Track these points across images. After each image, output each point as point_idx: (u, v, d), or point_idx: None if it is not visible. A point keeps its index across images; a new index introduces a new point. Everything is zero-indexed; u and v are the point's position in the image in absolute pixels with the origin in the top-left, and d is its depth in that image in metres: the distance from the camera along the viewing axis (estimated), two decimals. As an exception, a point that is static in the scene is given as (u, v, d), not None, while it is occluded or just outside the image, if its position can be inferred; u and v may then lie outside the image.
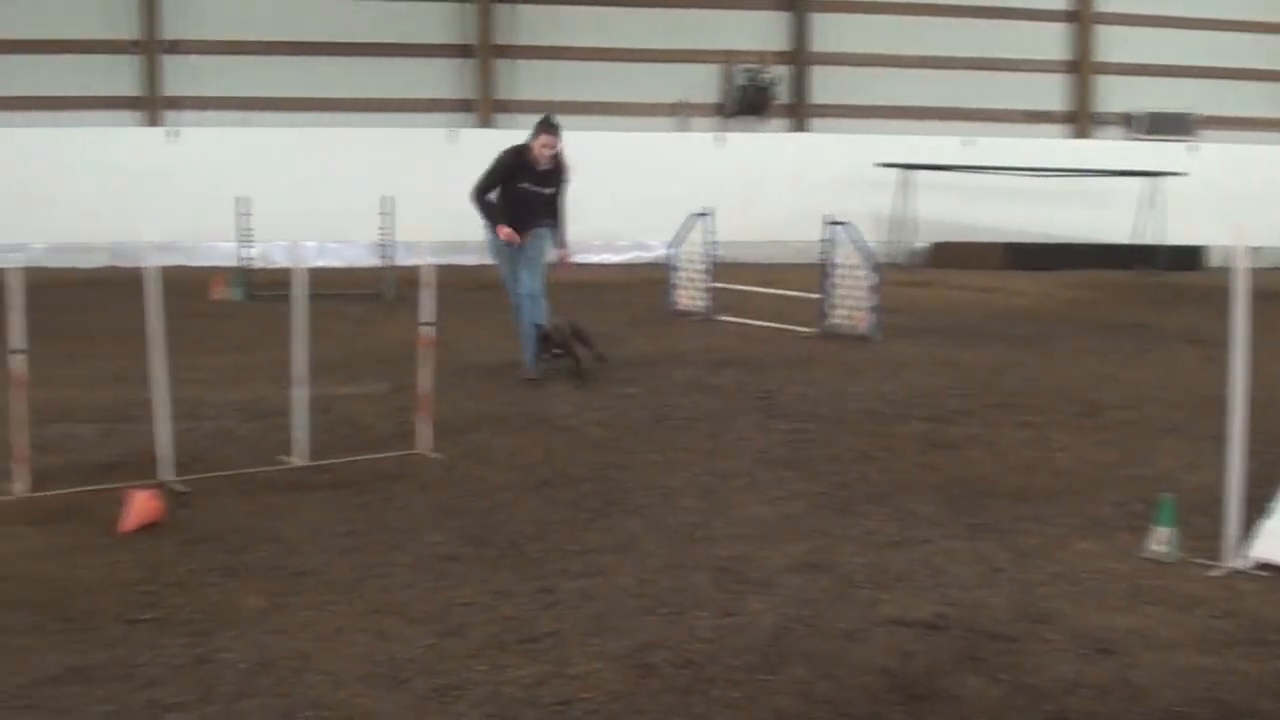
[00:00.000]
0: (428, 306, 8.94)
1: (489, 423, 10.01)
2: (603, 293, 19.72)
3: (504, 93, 26.88)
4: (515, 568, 6.56)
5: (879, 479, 8.45)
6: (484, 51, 26.70)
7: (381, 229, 19.40)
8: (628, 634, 5.63)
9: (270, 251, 20.61)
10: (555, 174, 12.08)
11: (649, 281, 19.67)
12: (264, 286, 17.83)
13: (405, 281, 17.05)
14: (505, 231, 11.81)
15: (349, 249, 23.13)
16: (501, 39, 26.90)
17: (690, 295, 17.01)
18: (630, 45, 27.11)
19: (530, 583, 6.31)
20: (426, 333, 9.03)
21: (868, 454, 9.16)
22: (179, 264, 21.58)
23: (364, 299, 17.62)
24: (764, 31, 28.00)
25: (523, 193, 11.93)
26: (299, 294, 8.59)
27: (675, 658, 5.36)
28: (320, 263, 20.20)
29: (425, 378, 9.01)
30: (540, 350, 11.79)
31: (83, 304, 17.49)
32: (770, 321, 15.74)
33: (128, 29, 25.53)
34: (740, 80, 27.66)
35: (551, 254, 12.36)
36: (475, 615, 5.87)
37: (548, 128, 11.89)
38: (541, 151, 11.86)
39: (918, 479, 8.45)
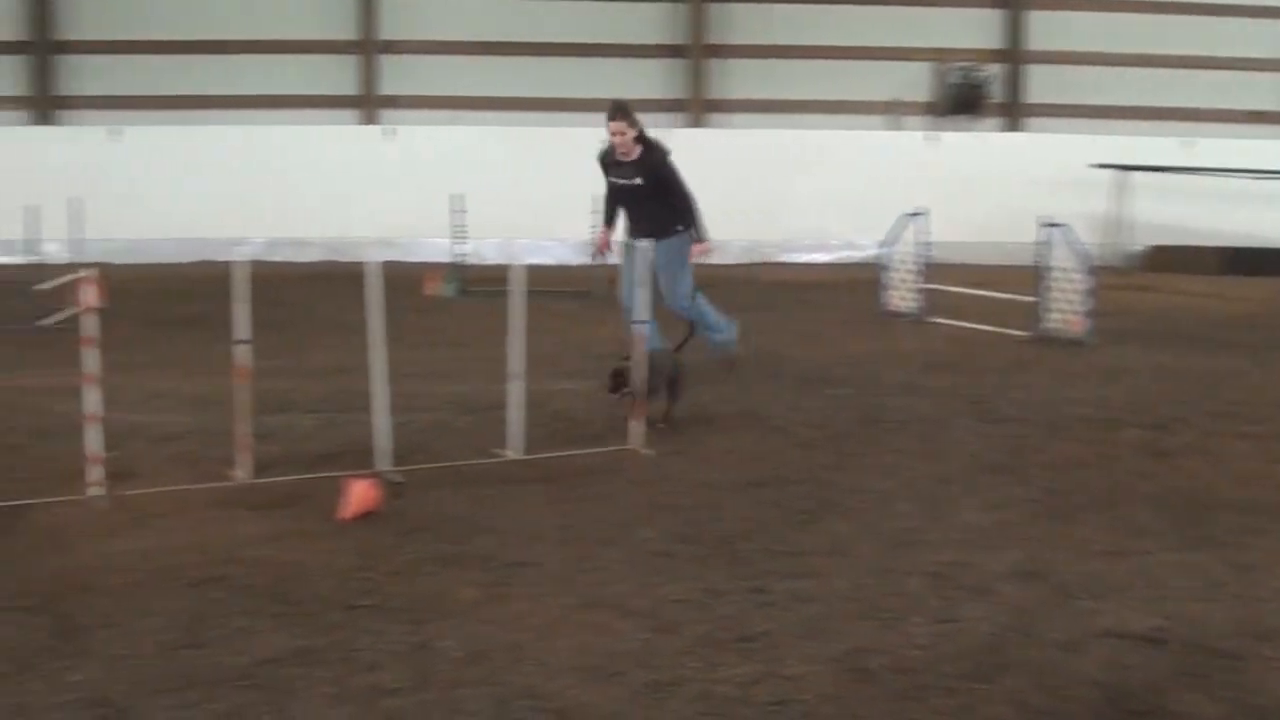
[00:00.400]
0: (641, 305, 8.98)
1: (700, 421, 10.02)
2: (813, 292, 19.64)
3: (716, 92, 26.88)
4: (727, 566, 6.57)
5: (1095, 487, 8.28)
6: (696, 51, 26.74)
7: (593, 227, 19.46)
8: (842, 637, 5.60)
9: (482, 248, 20.92)
10: (640, 163, 11.36)
11: (859, 281, 19.50)
12: (477, 283, 18.07)
13: (615, 280, 17.18)
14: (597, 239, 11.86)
15: (559, 247, 23.30)
16: (714, 39, 26.92)
17: (902, 296, 16.84)
18: (842, 43, 26.88)
19: (742, 582, 6.32)
20: (639, 330, 9.07)
21: (1083, 461, 8.98)
22: (393, 259, 21.97)
23: (574, 296, 17.73)
24: (978, 29, 27.56)
25: (614, 187, 11.60)
26: (516, 290, 8.70)
27: (890, 663, 5.32)
28: (532, 260, 20.43)
29: (638, 375, 9.06)
30: (611, 387, 9.56)
31: (300, 298, 17.87)
32: (983, 324, 15.49)
33: (346, 30, 26.09)
34: (953, 79, 27.30)
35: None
36: (688, 612, 5.90)
37: (609, 113, 11.31)
38: (612, 140, 11.37)
39: (1135, 488, 8.26)
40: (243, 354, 8.25)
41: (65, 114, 25.79)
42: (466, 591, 6.16)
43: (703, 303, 11.91)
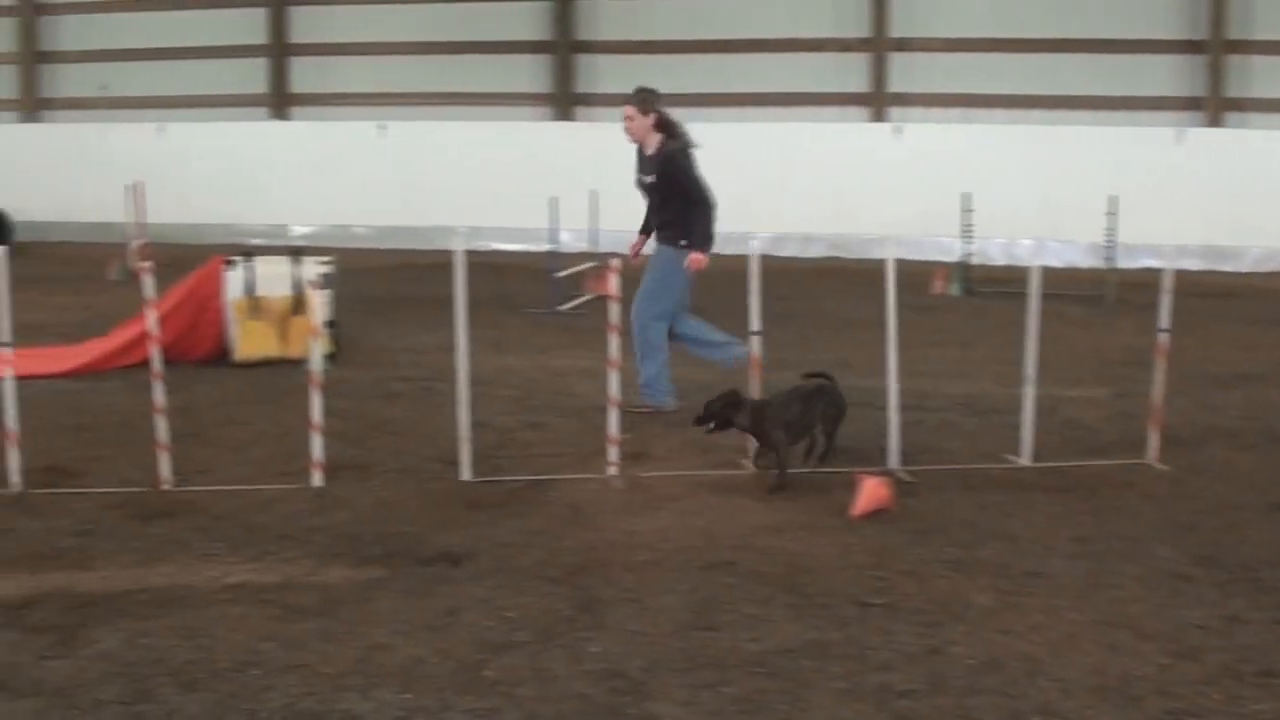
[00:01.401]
0: (1165, 312, 8.64)
1: (1219, 437, 9.53)
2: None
3: (1235, 90, 25.61)
4: (1250, 594, 6.25)
5: None
6: (1215, 47, 25.57)
7: (1106, 230, 18.89)
8: (1377, 683, 5.25)
9: (986, 248, 20.63)
10: (655, 157, 10.01)
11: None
12: (982, 283, 17.83)
13: (1126, 284, 16.66)
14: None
15: (1067, 249, 22.70)
16: (1235, 34, 25.67)
17: None
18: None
19: (1267, 612, 6.00)
20: (1163, 340, 8.72)
21: None
22: (900, 257, 21.91)
23: (1082, 300, 17.23)
24: None
25: (639, 185, 10.26)
26: (1033, 292, 8.55)
27: None
28: (1037, 261, 20.06)
29: (1158, 386, 8.72)
30: (700, 417, 8.28)
31: (806, 293, 18.04)
32: None
33: (858, 28, 26.19)
34: None
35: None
36: (1209, 639, 5.65)
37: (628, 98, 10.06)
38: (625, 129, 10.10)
39: None
40: (754, 345, 8.45)
41: (583, 110, 26.93)
42: (980, 598, 6.09)
43: (692, 325, 10.25)
